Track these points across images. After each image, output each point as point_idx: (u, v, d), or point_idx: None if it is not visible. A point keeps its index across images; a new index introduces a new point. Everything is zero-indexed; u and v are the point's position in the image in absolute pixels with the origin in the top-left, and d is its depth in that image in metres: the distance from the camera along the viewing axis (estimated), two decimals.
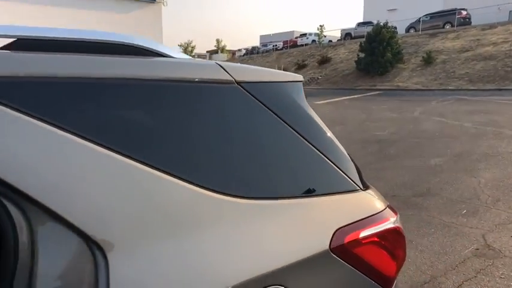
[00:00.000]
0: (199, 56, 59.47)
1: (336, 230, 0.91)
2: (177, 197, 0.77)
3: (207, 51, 61.79)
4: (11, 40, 0.81)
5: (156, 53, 0.93)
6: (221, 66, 0.93)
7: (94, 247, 0.67)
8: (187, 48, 61.60)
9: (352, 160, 1.07)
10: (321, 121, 1.06)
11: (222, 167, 0.85)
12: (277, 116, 0.94)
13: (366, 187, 1.07)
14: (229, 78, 0.92)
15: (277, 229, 0.86)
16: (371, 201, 1.04)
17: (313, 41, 37.33)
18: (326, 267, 0.89)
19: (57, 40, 0.82)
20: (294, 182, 0.96)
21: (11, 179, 0.62)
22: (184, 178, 0.78)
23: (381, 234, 0.98)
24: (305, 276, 0.86)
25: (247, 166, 0.89)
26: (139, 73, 0.81)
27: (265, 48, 44.46)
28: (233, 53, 54.94)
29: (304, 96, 1.05)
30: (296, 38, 42.14)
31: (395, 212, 1.07)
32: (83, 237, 0.67)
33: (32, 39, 0.81)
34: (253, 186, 0.87)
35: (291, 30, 52.45)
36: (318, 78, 28.23)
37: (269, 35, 55.23)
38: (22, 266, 0.63)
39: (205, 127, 0.86)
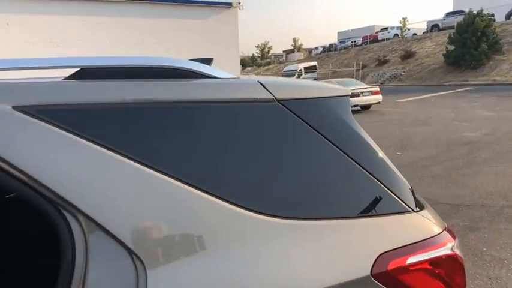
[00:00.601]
0: (276, 56, 59.89)
1: (380, 255, 0.85)
2: (218, 217, 0.80)
3: (284, 51, 61.99)
4: (75, 70, 0.92)
5: (202, 75, 0.96)
6: (262, 84, 0.93)
7: (137, 261, 0.73)
8: (264, 50, 62.48)
9: (403, 179, 0.99)
10: (369, 138, 1.00)
11: (263, 187, 0.86)
12: (320, 133, 0.92)
13: (420, 208, 0.97)
14: (270, 96, 0.92)
15: (314, 251, 0.84)
16: (423, 223, 0.95)
17: (396, 35, 35.20)
18: None
19: (113, 68, 0.91)
20: (337, 202, 0.92)
21: (71, 198, 0.71)
22: (226, 199, 0.80)
23: (434, 261, 0.89)
24: None
25: (288, 186, 0.88)
26: (188, 96, 0.86)
27: (342, 45, 43.19)
28: (309, 51, 54.32)
29: (350, 111, 1.01)
30: (376, 32, 40.17)
31: (453, 236, 0.96)
32: (128, 251, 0.73)
33: (94, 68, 0.91)
34: (292, 205, 0.86)
35: (371, 25, 50.15)
36: (400, 75, 26.61)
37: (347, 31, 53.44)
38: (77, 274, 0.71)
39: (247, 147, 0.88)
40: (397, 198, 0.94)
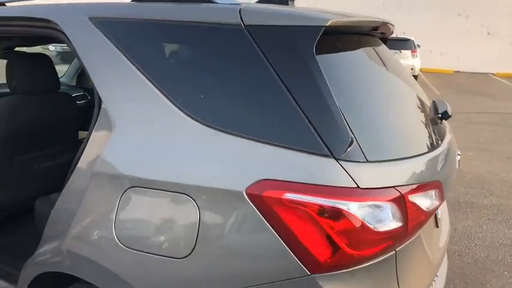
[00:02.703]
0: None
1: (262, 180, 0.88)
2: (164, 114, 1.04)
3: None
4: None
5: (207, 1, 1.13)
6: (240, 10, 1.01)
7: None
8: None
9: (346, 128, 0.91)
10: (324, 78, 0.94)
11: (202, 98, 1.03)
12: (269, 62, 0.96)
13: (353, 159, 0.89)
14: (238, 21, 0.99)
15: (208, 154, 0.98)
16: (333, 171, 0.87)
17: None
18: (239, 208, 0.90)
19: None
20: (257, 126, 0.95)
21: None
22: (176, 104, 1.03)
23: (320, 209, 0.85)
24: (216, 204, 0.93)
25: (220, 101, 1.02)
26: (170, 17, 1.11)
27: None
28: None
29: (313, 44, 0.95)
30: None
31: (361, 198, 0.87)
32: None
33: None
34: (217, 117, 0.99)
35: None
36: None
37: None
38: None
39: (206, 65, 1.07)
40: (320, 140, 0.89)
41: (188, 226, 0.96)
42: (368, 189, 0.88)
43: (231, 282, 0.93)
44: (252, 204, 0.89)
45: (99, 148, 1.12)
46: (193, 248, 0.95)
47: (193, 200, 0.95)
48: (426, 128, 1.25)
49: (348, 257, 0.87)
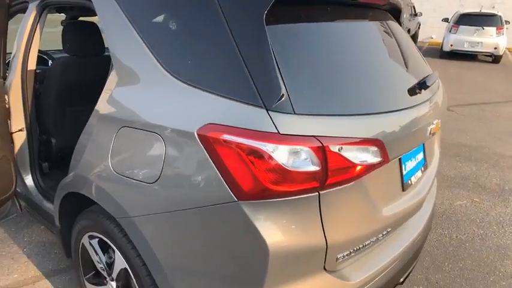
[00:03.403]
0: None
1: (209, 124, 1.09)
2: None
3: None
4: None
5: None
6: None
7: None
8: None
9: (280, 82, 1.07)
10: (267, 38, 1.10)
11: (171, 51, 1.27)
12: (227, 24, 1.14)
13: (284, 110, 1.05)
14: None
15: (173, 101, 1.21)
16: (261, 118, 1.05)
17: None
18: (191, 145, 1.12)
19: None
20: (206, 77, 1.16)
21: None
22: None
23: (247, 149, 1.04)
24: (176, 141, 1.16)
25: (186, 56, 1.23)
26: None
27: None
28: None
29: (267, 8, 1.10)
30: None
31: (289, 143, 1.04)
32: None
33: None
34: (184, 71, 1.21)
35: None
36: None
37: None
38: None
39: (178, 28, 1.28)
40: (257, 94, 1.07)
41: (157, 158, 1.21)
42: (287, 135, 1.05)
43: (182, 203, 1.18)
44: (200, 142, 1.11)
45: (106, 97, 1.42)
46: (159, 176, 1.21)
47: (162, 137, 1.20)
48: (382, 92, 1.34)
49: (267, 190, 1.05)
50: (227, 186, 1.08)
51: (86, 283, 1.78)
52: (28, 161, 2.15)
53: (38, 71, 2.16)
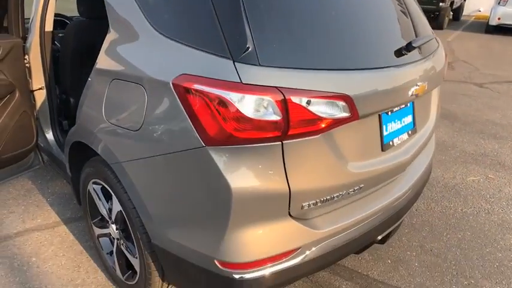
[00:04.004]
0: None
1: (183, 74, 1.18)
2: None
3: None
4: None
5: None
6: None
7: None
8: None
9: (241, 37, 1.13)
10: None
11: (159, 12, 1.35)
12: None
13: (251, 62, 1.12)
14: None
15: (153, 54, 1.31)
16: (227, 68, 1.12)
17: None
18: (167, 95, 1.21)
19: None
20: (184, 32, 1.24)
21: None
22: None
23: (213, 97, 1.12)
24: (156, 91, 1.25)
25: (168, 11, 1.33)
26: None
27: None
28: None
29: None
30: None
31: (250, 92, 1.10)
32: None
33: None
34: (165, 25, 1.31)
35: None
36: None
37: None
38: None
39: None
40: (226, 46, 1.14)
41: (140, 108, 1.32)
42: (250, 85, 1.11)
43: (159, 149, 1.29)
44: (174, 91, 1.20)
45: (103, 52, 1.54)
46: (142, 124, 1.32)
47: (144, 88, 1.30)
48: (359, 49, 1.34)
49: (232, 137, 1.13)
50: (196, 133, 1.17)
51: (93, 226, 1.98)
52: (49, 118, 2.35)
53: (60, 34, 2.32)
